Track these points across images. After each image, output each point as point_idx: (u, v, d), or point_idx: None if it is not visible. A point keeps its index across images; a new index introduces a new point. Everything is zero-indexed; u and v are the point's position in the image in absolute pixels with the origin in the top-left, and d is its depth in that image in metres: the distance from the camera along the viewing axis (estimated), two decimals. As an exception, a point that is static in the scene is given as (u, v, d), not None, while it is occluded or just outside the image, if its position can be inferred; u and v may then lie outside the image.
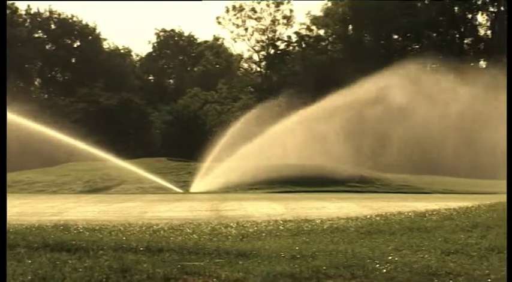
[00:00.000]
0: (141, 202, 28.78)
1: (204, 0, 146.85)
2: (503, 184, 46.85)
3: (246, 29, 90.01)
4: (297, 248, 11.70)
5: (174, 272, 9.63)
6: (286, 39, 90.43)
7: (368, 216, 16.85)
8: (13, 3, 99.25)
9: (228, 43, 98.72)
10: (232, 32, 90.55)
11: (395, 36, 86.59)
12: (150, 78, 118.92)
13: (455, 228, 14.08)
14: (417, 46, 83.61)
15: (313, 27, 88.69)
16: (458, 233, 13.54)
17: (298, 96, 59.96)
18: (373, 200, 28.80)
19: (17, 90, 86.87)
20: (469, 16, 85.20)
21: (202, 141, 55.84)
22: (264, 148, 51.16)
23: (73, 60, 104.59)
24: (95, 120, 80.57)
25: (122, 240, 11.96)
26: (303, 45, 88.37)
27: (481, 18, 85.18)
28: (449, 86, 56.65)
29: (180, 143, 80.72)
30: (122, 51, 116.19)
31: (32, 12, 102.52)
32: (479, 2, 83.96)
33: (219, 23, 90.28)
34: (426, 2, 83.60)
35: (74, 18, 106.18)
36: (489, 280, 9.91)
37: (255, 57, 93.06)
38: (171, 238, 12.97)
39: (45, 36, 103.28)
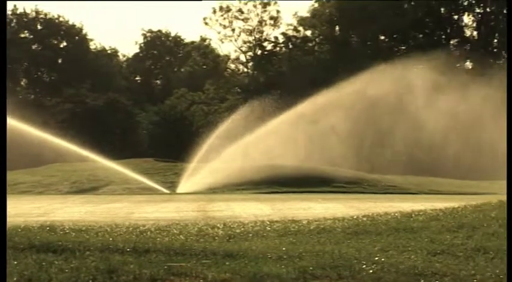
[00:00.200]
0: (128, 203, 28.74)
1: (191, 1, 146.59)
2: (489, 185, 47.02)
3: (233, 30, 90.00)
4: (283, 248, 11.72)
5: (161, 273, 9.62)
6: (273, 40, 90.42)
7: (354, 217, 16.88)
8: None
9: (215, 44, 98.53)
10: (219, 32, 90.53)
11: (382, 37, 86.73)
12: (137, 78, 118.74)
13: (441, 229, 14.13)
14: (403, 47, 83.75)
15: (300, 28, 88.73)
16: (445, 234, 13.58)
17: (285, 97, 59.98)
18: (359, 201, 28.86)
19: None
20: (455, 17, 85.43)
21: (189, 141, 55.75)
22: (250, 149, 51.19)
23: (59, 61, 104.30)
24: (81, 120, 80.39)
25: (109, 241, 11.95)
26: (290, 46, 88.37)
27: (467, 19, 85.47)
28: (437, 87, 56.77)
29: (167, 144, 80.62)
30: (108, 51, 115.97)
31: (18, 12, 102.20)
32: (466, 3, 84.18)
33: (206, 23, 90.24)
34: (413, 3, 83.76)
35: (61, 19, 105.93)
36: (475, 280, 9.95)
37: (242, 58, 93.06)
38: (158, 239, 12.96)
39: (31, 37, 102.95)
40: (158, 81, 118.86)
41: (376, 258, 10.88)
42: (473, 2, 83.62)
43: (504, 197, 22.32)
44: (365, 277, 9.84)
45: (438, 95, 56.49)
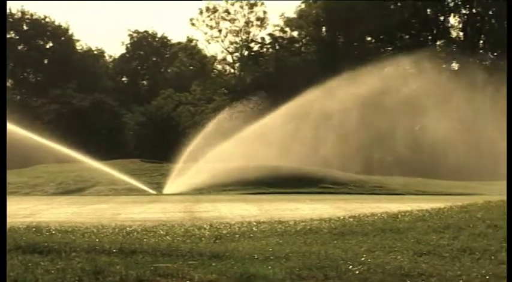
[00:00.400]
0: (114, 204, 28.70)
1: (178, 0, 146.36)
2: (476, 185, 47.15)
3: (220, 31, 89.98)
4: (270, 249, 11.72)
5: (147, 274, 9.61)
6: (259, 40, 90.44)
7: (341, 218, 16.90)
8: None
9: (201, 44, 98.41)
10: (206, 33, 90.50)
11: (369, 38, 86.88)
12: (124, 79, 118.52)
13: (427, 230, 14.16)
14: (390, 48, 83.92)
15: (287, 29, 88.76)
16: (431, 234, 13.61)
17: (272, 98, 60.03)
18: (346, 201, 28.90)
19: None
20: (442, 18, 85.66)
21: (176, 142, 55.69)
22: (237, 150, 51.15)
23: (45, 61, 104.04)
24: (67, 121, 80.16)
25: (95, 242, 11.92)
26: (277, 47, 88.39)
27: (453, 20, 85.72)
28: (424, 88, 56.93)
29: (153, 145, 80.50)
30: (95, 52, 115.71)
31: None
32: (452, 5, 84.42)
33: (193, 24, 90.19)
34: (399, 4, 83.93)
35: (47, 19, 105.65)
36: (461, 281, 9.97)
37: (229, 58, 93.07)
38: (145, 240, 12.94)
39: (17, 37, 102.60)
40: (145, 82, 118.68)
41: (363, 259, 10.90)
42: (459, 3, 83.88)
43: (490, 198, 22.45)
44: (351, 278, 9.85)
45: (426, 96, 56.64)
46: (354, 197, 35.41)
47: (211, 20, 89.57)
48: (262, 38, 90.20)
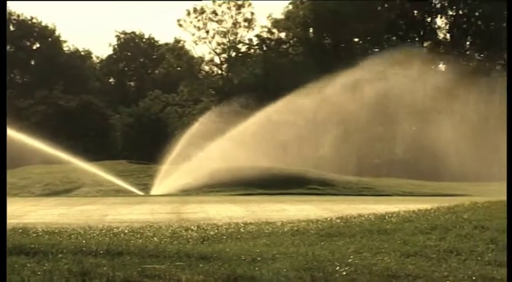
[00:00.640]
0: (102, 205, 28.62)
1: (165, 0, 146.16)
2: (463, 186, 47.26)
3: (207, 32, 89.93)
4: (257, 250, 11.71)
5: (134, 275, 9.58)
6: (247, 42, 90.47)
7: (328, 219, 16.92)
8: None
9: (189, 46, 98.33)
10: (193, 34, 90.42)
11: (356, 39, 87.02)
12: (111, 80, 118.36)
13: (414, 231, 14.19)
14: (377, 49, 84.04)
15: (275, 30, 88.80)
16: (418, 235, 13.64)
17: (259, 99, 60.06)
18: (333, 203, 28.91)
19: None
20: (428, 19, 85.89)
21: (163, 143, 55.66)
22: (224, 150, 51.17)
23: (32, 62, 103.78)
24: (54, 122, 79.97)
25: (82, 244, 11.89)
26: (264, 48, 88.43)
27: (440, 21, 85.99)
28: (412, 89, 57.08)
29: (141, 146, 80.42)
30: (82, 53, 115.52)
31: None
32: (438, 6, 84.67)
33: (180, 25, 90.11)
34: (386, 5, 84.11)
35: (34, 20, 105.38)
36: (447, 282, 10.00)
37: (216, 59, 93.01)
38: (132, 241, 12.92)
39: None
40: (132, 83, 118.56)
41: (350, 260, 10.90)
42: (446, 4, 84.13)
43: (477, 199, 22.50)
44: (338, 279, 9.86)
45: (413, 98, 56.80)
46: (341, 198, 35.42)
47: (198, 21, 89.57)
48: (250, 39, 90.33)
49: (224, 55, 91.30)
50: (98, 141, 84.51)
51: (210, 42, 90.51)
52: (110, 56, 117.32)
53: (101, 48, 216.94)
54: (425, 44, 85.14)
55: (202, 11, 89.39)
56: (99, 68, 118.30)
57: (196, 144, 52.45)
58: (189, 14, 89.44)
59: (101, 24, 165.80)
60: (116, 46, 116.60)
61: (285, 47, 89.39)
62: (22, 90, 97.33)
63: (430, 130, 58.30)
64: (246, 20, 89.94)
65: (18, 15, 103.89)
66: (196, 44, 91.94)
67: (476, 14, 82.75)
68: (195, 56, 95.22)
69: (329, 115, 56.03)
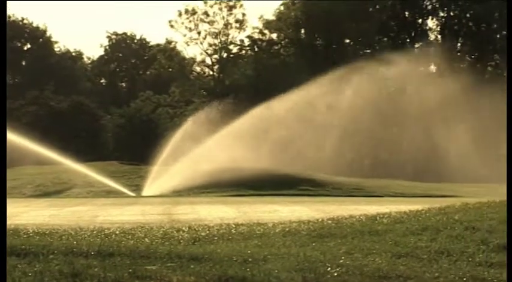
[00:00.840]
0: (93, 206, 28.60)
1: (156, 1, 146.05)
2: (454, 187, 47.31)
3: (199, 33, 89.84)
4: (249, 251, 11.70)
5: (126, 276, 9.57)
6: (238, 43, 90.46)
7: (320, 220, 16.92)
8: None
9: (180, 46, 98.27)
10: (185, 35, 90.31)
11: (347, 41, 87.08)
12: (102, 81, 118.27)
13: (405, 232, 14.20)
14: (368, 50, 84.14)
15: (266, 31, 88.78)
16: (409, 236, 13.65)
17: (251, 100, 60.07)
18: (325, 204, 28.94)
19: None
20: (420, 21, 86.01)
21: (154, 144, 55.63)
22: (216, 151, 51.16)
23: (23, 63, 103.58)
24: (46, 123, 79.81)
25: (73, 245, 11.87)
26: (256, 49, 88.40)
27: (431, 23, 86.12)
28: (402, 90, 57.21)
29: (132, 147, 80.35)
30: (73, 54, 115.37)
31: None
32: (430, 7, 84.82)
33: (172, 26, 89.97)
34: (377, 6, 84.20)
35: (25, 21, 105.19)
36: (438, 283, 10.02)
37: (208, 60, 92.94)
38: (123, 242, 12.90)
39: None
40: (123, 84, 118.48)
41: (341, 261, 10.91)
42: (437, 6, 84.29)
43: (468, 199, 22.53)
44: (330, 280, 9.86)
45: (404, 99, 56.89)
46: (332, 199, 35.45)
47: (190, 22, 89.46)
48: (241, 40, 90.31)
49: (216, 56, 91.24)
50: (89, 142, 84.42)
51: (201, 43, 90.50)
52: (101, 57, 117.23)
53: (92, 49, 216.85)
54: (416, 45, 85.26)
55: (194, 12, 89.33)
56: (91, 68, 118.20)
57: (187, 145, 52.44)
58: (180, 15, 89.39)
59: (92, 25, 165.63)
60: (107, 47, 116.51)
61: (276, 48, 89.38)
62: (13, 91, 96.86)
63: (422, 131, 58.39)
64: (237, 21, 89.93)
65: (9, 16, 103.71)
66: (188, 45, 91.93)
67: (468, 15, 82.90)
68: (187, 57, 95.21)
69: (320, 116, 56.08)
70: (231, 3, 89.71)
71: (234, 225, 16.10)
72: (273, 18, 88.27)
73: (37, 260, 10.40)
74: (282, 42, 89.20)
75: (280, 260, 10.84)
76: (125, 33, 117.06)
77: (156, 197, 40.88)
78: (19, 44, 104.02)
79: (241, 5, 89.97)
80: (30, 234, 13.98)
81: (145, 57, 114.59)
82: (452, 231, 13.98)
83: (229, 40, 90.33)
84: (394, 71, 60.14)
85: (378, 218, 16.77)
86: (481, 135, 56.32)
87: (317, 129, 56.38)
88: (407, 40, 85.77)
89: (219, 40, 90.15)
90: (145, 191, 47.91)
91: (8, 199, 39.15)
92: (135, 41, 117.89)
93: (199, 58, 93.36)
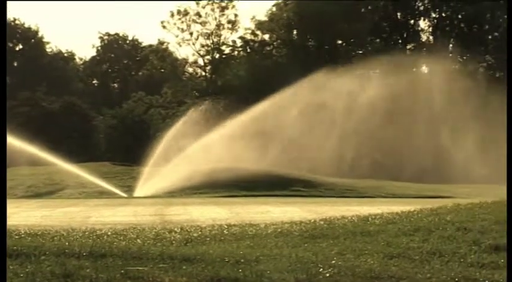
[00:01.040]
0: (85, 207, 28.56)
1: (148, 0, 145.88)
2: (446, 188, 47.35)
3: (191, 34, 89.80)
4: (241, 252, 11.70)
5: (118, 277, 9.55)
6: (231, 43, 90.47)
7: (312, 221, 16.93)
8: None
9: (173, 47, 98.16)
10: (177, 36, 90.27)
11: (339, 42, 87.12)
12: (94, 82, 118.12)
13: (397, 232, 14.21)
14: (361, 51, 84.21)
15: (258, 32, 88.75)
16: (401, 237, 13.66)
17: (243, 101, 60.06)
18: (317, 204, 28.95)
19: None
20: (412, 22, 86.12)
21: (147, 145, 55.58)
22: (208, 152, 51.14)
23: (15, 64, 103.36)
24: (37, 124, 79.61)
25: (65, 245, 11.85)
26: (248, 50, 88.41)
27: (423, 24, 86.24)
28: (395, 90, 57.23)
29: (124, 148, 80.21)
30: (65, 54, 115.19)
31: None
32: (422, 8, 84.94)
33: (164, 27, 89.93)
34: (370, 7, 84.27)
35: (16, 22, 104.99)
36: (430, 283, 10.03)
37: (200, 61, 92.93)
38: (115, 243, 12.89)
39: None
40: (115, 85, 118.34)
41: (333, 262, 10.92)
42: (429, 7, 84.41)
43: (459, 200, 22.58)
44: (322, 281, 9.86)
45: (397, 99, 56.92)
46: (324, 200, 35.47)
47: (182, 22, 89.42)
48: (234, 41, 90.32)
49: (208, 57, 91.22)
50: (81, 143, 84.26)
51: (193, 44, 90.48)
52: (93, 58, 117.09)
53: (84, 50, 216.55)
54: (408, 46, 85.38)
55: (186, 13, 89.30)
56: (83, 69, 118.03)
57: (179, 146, 52.41)
58: (172, 15, 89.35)
59: (84, 26, 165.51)
60: (99, 48, 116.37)
61: (268, 48, 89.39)
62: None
63: (412, 132, 58.45)
64: (229, 21, 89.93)
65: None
66: (180, 46, 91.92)
67: (459, 16, 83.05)
68: (179, 57, 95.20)
69: (313, 116, 56.10)
70: (223, 4, 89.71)
71: (226, 226, 16.10)
72: (265, 19, 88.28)
73: (29, 261, 10.38)
74: (274, 43, 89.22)
75: (272, 261, 10.84)
76: (117, 34, 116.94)
77: (148, 198, 40.84)
78: (11, 45, 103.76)
79: (233, 6, 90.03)
80: (22, 235, 13.96)
81: (138, 58, 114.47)
82: (444, 232, 14.00)
83: (221, 41, 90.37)
84: (386, 71, 60.23)
85: (370, 218, 16.79)
86: (478, 135, 56.44)
87: (310, 130, 56.39)
88: (399, 41, 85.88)
89: (211, 41, 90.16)
90: (138, 192, 47.86)
91: (0, 200, 39.02)
92: (127, 41, 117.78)
93: (191, 59, 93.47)
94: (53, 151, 49.86)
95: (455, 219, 15.43)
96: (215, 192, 44.64)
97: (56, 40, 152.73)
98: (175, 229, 15.49)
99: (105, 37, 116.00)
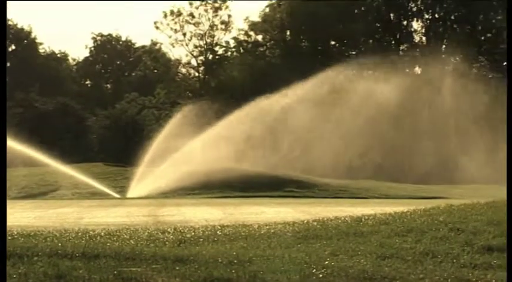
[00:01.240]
0: (78, 208, 28.52)
1: (142, 1, 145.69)
2: (439, 189, 47.40)
3: (184, 34, 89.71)
4: (234, 253, 11.70)
5: (111, 278, 9.55)
6: (224, 44, 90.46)
7: (305, 221, 16.91)
8: None
9: (166, 48, 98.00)
10: (170, 37, 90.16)
11: (333, 42, 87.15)
12: (87, 82, 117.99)
13: (390, 233, 14.21)
14: (354, 52, 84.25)
15: (251, 33, 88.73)
16: (394, 238, 13.67)
17: (236, 101, 60.04)
18: (310, 205, 28.94)
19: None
20: (405, 23, 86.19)
21: (140, 146, 55.53)
22: (201, 152, 51.12)
23: (8, 65, 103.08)
24: (31, 125, 79.49)
25: (58, 246, 11.83)
26: (241, 51, 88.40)
27: (416, 25, 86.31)
28: (389, 91, 57.27)
29: (117, 148, 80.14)
30: (58, 55, 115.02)
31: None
32: (415, 9, 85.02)
33: (157, 27, 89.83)
34: (363, 8, 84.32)
35: (9, 22, 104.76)
36: (423, 284, 10.04)
37: (193, 62, 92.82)
38: (108, 244, 12.86)
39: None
40: (109, 86, 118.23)
41: (326, 263, 10.92)
42: (422, 8, 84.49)
43: (452, 201, 22.60)
44: (315, 281, 9.87)
45: (391, 100, 56.96)
46: (317, 201, 35.47)
47: (175, 23, 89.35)
48: (227, 42, 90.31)
49: (201, 58, 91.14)
50: (74, 144, 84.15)
51: (187, 45, 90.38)
52: (86, 58, 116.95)
53: (78, 51, 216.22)
54: (401, 47, 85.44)
55: (179, 14, 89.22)
56: (76, 70, 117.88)
57: (172, 146, 52.35)
58: (165, 16, 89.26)
59: (77, 27, 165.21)
60: (92, 48, 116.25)
61: (262, 49, 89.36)
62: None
63: (407, 133, 58.51)
64: (223, 22, 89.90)
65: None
66: (173, 47, 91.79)
67: (452, 17, 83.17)
68: (172, 58, 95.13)
69: (308, 116, 56.08)
70: (217, 5, 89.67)
71: (219, 227, 16.08)
72: (259, 20, 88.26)
73: (21, 261, 10.37)
74: (268, 43, 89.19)
75: (265, 262, 10.84)
76: (110, 35, 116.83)
77: (142, 199, 40.81)
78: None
79: (226, 7, 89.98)
80: (15, 236, 13.93)
81: (131, 59, 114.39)
82: (437, 232, 14.01)
83: (214, 42, 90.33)
84: (379, 72, 60.28)
85: (363, 219, 16.77)
86: (472, 136, 56.52)
87: (305, 131, 56.40)
88: (392, 42, 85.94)
89: (204, 42, 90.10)
90: (131, 193, 47.81)
91: (-7, 201, 38.94)
92: (121, 42, 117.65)
93: (184, 60, 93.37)
94: (46, 152, 49.77)
95: (448, 220, 15.44)
96: (208, 193, 44.61)
97: (49, 41, 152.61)
98: (169, 230, 15.46)
99: (98, 38, 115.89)
